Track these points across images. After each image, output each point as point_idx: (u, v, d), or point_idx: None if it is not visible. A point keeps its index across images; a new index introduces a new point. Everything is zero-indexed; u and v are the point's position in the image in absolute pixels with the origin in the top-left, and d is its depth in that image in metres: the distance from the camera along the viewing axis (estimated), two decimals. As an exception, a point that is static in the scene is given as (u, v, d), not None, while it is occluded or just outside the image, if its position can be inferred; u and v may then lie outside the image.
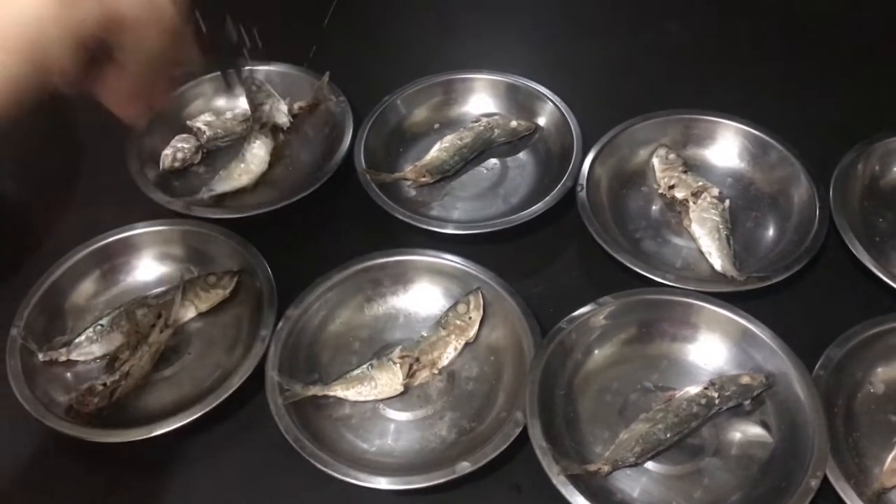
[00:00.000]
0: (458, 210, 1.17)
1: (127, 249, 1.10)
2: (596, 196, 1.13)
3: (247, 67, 1.15)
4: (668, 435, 0.90)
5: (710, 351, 0.98)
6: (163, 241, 1.10)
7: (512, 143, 1.24)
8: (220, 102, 1.30)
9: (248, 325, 1.03)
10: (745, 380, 0.94)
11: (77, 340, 1.01)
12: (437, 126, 1.27)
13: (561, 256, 1.13)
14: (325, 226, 1.17)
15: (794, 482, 0.85)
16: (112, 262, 1.09)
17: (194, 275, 1.08)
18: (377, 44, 1.45)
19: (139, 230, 1.10)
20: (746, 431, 0.93)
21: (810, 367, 0.93)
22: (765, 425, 0.93)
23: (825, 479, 0.85)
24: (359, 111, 1.24)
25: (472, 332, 1.01)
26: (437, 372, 0.99)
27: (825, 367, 0.94)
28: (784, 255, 1.06)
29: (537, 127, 1.24)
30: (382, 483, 0.87)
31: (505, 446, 0.88)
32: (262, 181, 1.20)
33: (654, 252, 1.10)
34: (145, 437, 0.91)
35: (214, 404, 0.92)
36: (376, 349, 1.02)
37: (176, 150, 1.21)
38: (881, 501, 0.86)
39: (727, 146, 1.19)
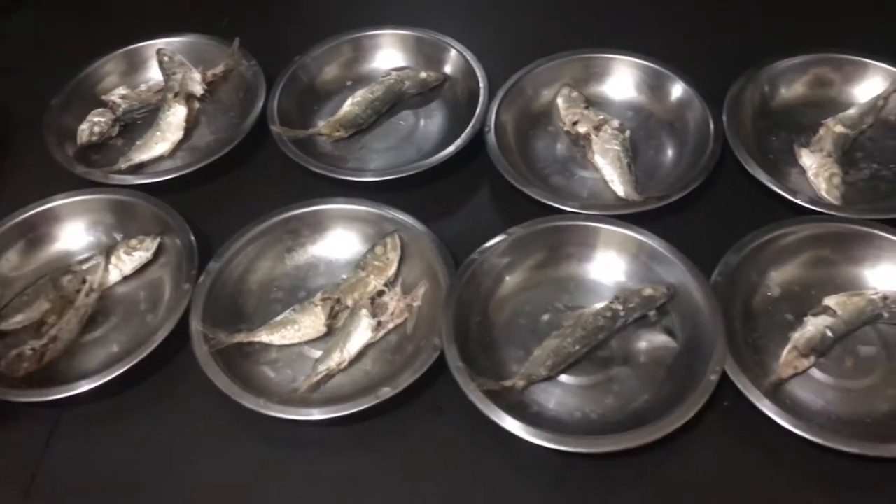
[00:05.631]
0: (374, 161, 1.21)
1: (50, 220, 1.12)
2: (504, 138, 1.17)
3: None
4: (578, 347, 0.95)
5: (613, 269, 1.04)
6: (85, 210, 1.13)
7: (423, 95, 1.27)
8: (135, 76, 1.32)
9: (172, 284, 1.06)
10: (648, 291, 0.99)
11: (2, 311, 1.03)
12: (349, 83, 1.30)
13: (474, 196, 1.17)
14: (244, 185, 1.20)
15: (696, 379, 0.90)
16: (35, 232, 1.11)
17: (118, 240, 1.10)
18: (287, 5, 1.47)
19: (60, 201, 1.12)
20: (652, 340, 0.99)
21: (710, 276, 0.99)
22: (669, 332, 0.99)
23: (725, 375, 0.90)
24: (272, 74, 1.26)
25: (391, 272, 1.05)
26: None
27: (722, 274, 0.99)
28: (682, 176, 1.11)
29: (446, 77, 1.28)
30: (312, 414, 0.91)
31: (424, 370, 0.92)
32: (180, 147, 1.22)
33: (562, 186, 1.15)
34: (71, 393, 0.93)
35: (139, 358, 0.95)
36: (300, 297, 1.05)
37: (92, 125, 1.23)
38: (778, 392, 0.92)
39: (626, 80, 1.24)
